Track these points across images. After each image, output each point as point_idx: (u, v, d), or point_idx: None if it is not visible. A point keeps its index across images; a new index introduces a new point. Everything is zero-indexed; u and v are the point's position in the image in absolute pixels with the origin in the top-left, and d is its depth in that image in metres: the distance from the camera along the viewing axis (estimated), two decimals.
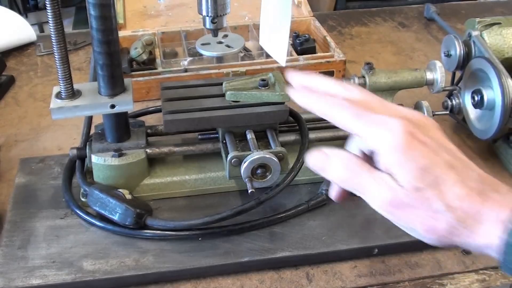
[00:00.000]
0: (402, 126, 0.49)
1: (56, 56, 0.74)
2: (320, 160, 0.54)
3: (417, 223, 0.50)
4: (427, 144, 0.50)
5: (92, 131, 0.85)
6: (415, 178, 0.49)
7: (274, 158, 0.76)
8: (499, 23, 0.93)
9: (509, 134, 0.91)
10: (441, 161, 0.50)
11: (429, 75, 0.90)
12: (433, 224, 0.50)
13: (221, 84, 0.84)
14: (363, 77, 0.89)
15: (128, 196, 0.78)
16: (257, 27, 1.21)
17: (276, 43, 0.83)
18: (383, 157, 0.50)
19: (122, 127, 0.81)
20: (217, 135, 0.85)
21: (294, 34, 1.23)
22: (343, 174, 0.53)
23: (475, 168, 0.51)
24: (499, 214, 0.48)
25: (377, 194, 0.51)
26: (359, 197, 0.68)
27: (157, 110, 0.96)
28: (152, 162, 0.84)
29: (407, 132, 0.49)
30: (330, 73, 1.16)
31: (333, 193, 0.59)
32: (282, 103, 0.81)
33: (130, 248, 0.75)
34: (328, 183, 0.81)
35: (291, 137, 0.85)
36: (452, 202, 0.49)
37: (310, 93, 0.55)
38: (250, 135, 0.80)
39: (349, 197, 0.58)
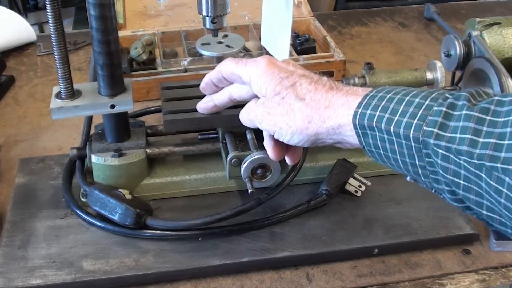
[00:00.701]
0: (265, 58, 0.65)
1: (56, 56, 0.74)
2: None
3: (281, 121, 0.62)
4: (284, 65, 0.64)
5: (92, 131, 0.85)
6: (275, 85, 0.62)
7: None
8: (499, 23, 0.93)
9: None
10: (296, 73, 0.63)
11: (429, 75, 0.90)
12: (291, 117, 0.61)
13: None
14: (363, 77, 0.89)
15: (128, 196, 0.78)
16: (257, 27, 1.21)
17: (277, 43, 0.83)
18: (254, 84, 0.64)
19: (122, 127, 0.81)
20: (217, 135, 0.85)
21: (294, 34, 1.23)
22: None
23: (328, 78, 0.63)
24: (347, 99, 0.58)
25: (255, 113, 0.65)
26: (359, 197, 0.78)
27: (157, 110, 0.97)
28: (152, 162, 0.84)
29: (268, 61, 0.64)
30: (330, 73, 1.16)
31: (270, 152, 0.70)
32: None
33: (130, 248, 0.75)
34: (328, 183, 0.81)
35: None
36: (302, 94, 0.61)
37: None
38: (250, 135, 0.80)
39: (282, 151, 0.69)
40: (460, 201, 0.51)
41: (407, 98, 0.53)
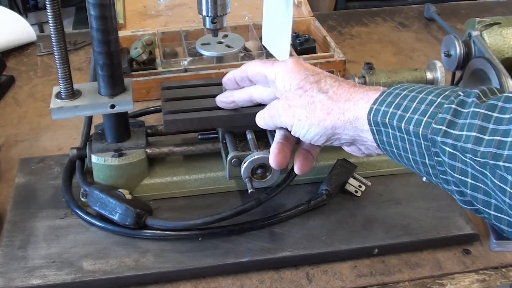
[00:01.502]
0: (293, 59, 0.67)
1: (56, 56, 0.74)
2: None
3: (300, 113, 0.62)
4: (311, 66, 0.66)
5: (92, 131, 0.85)
6: (300, 79, 0.63)
7: None
8: (499, 23, 0.93)
9: None
10: (322, 74, 0.64)
11: (429, 75, 0.90)
12: (312, 109, 0.61)
13: (221, 84, 0.84)
14: (363, 77, 0.89)
15: (128, 196, 0.78)
16: (257, 27, 1.21)
17: (278, 43, 0.83)
18: (279, 80, 0.66)
19: (122, 127, 0.81)
20: (217, 135, 0.85)
21: (294, 34, 1.23)
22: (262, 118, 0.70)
23: (354, 82, 0.67)
24: (367, 93, 0.58)
25: (276, 108, 0.65)
26: (359, 197, 0.79)
27: (157, 110, 0.97)
28: (152, 162, 0.84)
29: (296, 60, 0.66)
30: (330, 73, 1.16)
31: (272, 160, 0.69)
32: None
33: (130, 248, 0.75)
34: (328, 183, 0.81)
35: None
36: (325, 89, 0.61)
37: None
38: (250, 135, 0.80)
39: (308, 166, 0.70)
40: (469, 203, 0.51)
41: (421, 95, 0.53)
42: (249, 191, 0.74)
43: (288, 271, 0.74)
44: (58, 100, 0.76)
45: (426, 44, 1.34)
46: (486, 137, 0.46)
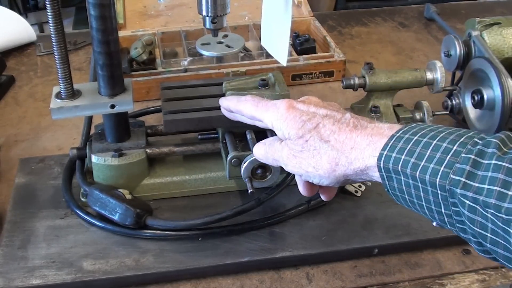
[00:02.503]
0: (285, 102, 0.64)
1: (56, 56, 0.73)
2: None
3: (307, 165, 0.60)
4: (305, 108, 0.63)
5: (92, 131, 0.85)
6: (298, 128, 0.61)
7: None
8: (499, 23, 0.93)
9: None
10: (318, 115, 0.61)
11: (429, 75, 0.90)
12: (317, 160, 0.59)
13: (221, 84, 0.84)
14: (363, 77, 0.89)
15: (128, 196, 0.78)
16: (257, 27, 1.21)
17: (277, 43, 0.83)
18: (276, 129, 0.64)
19: (122, 127, 0.81)
20: (217, 135, 0.85)
21: (294, 34, 1.23)
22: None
23: (353, 114, 0.61)
24: (372, 139, 0.56)
25: (280, 155, 0.63)
26: (359, 197, 0.79)
27: (157, 110, 0.97)
28: (152, 162, 0.84)
29: (288, 104, 0.63)
30: (330, 73, 1.16)
31: (301, 189, 0.67)
32: None
33: (130, 248, 0.75)
34: None
35: None
36: (326, 136, 0.59)
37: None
38: (250, 135, 0.80)
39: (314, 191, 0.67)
40: (488, 252, 0.49)
41: (434, 142, 0.51)
42: (249, 191, 0.74)
43: (288, 271, 0.74)
44: (58, 100, 0.76)
45: (426, 44, 1.34)
46: (510, 193, 0.44)
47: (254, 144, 0.78)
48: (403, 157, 0.52)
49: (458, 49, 0.94)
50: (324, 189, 0.67)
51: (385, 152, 0.53)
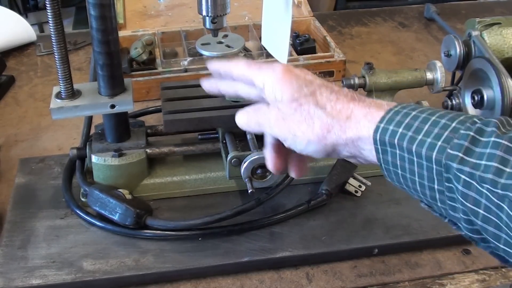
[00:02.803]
0: (282, 65, 0.61)
1: (56, 56, 0.73)
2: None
3: (296, 128, 0.58)
4: (302, 74, 0.60)
5: (92, 131, 0.85)
6: (294, 91, 0.58)
7: None
8: (499, 23, 0.93)
9: None
10: (315, 83, 0.59)
11: (429, 75, 0.90)
12: (310, 124, 0.57)
13: None
14: (363, 77, 0.89)
15: (128, 196, 0.78)
16: (257, 27, 1.21)
17: (277, 43, 0.83)
18: (268, 89, 0.60)
19: (122, 127, 0.81)
20: (217, 135, 0.85)
21: (294, 34, 1.23)
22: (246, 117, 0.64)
23: (349, 90, 0.59)
24: (369, 111, 0.55)
25: (267, 117, 0.60)
26: (359, 197, 0.79)
27: (157, 110, 0.97)
28: (152, 162, 0.84)
29: (285, 67, 0.60)
30: (330, 73, 1.16)
31: (270, 166, 0.65)
32: None
33: (130, 248, 0.75)
34: (328, 183, 0.81)
35: None
36: (323, 103, 0.57)
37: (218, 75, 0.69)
38: (250, 135, 0.80)
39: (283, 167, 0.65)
40: (477, 231, 0.49)
41: (433, 118, 0.51)
42: (249, 191, 0.74)
43: (288, 271, 0.74)
44: (58, 100, 0.76)
45: (426, 44, 1.34)
46: (508, 170, 0.44)
47: (254, 144, 0.78)
48: (400, 130, 0.51)
49: (458, 49, 0.94)
50: (294, 164, 0.65)
51: (382, 125, 0.53)
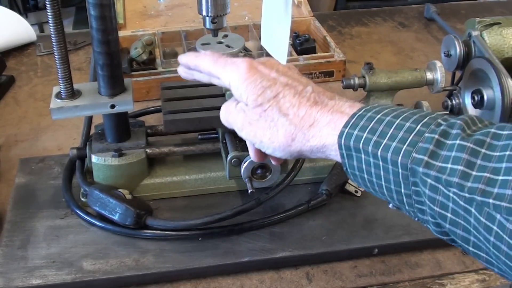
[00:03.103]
0: (246, 62, 0.60)
1: (56, 56, 0.74)
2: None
3: (262, 135, 0.59)
4: (266, 71, 0.60)
5: (92, 131, 0.85)
6: (257, 95, 0.58)
7: None
8: (499, 23, 0.93)
9: None
10: (279, 82, 0.59)
11: (429, 75, 0.90)
12: (273, 132, 0.58)
13: None
14: (363, 77, 0.89)
15: (128, 196, 0.78)
16: (257, 27, 1.21)
17: (277, 43, 0.83)
18: (234, 89, 0.60)
19: (122, 127, 0.81)
20: (217, 135, 0.85)
21: (294, 34, 1.23)
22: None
23: (314, 86, 0.59)
24: (332, 118, 0.55)
25: (235, 119, 0.61)
26: (359, 197, 0.79)
27: (157, 110, 0.97)
28: (152, 162, 0.84)
29: (248, 65, 0.60)
30: (330, 73, 1.16)
31: (251, 155, 0.67)
32: None
33: (130, 248, 0.75)
34: (328, 183, 0.81)
35: None
36: (286, 109, 0.57)
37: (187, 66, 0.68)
38: None
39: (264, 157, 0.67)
40: (445, 234, 0.49)
41: (398, 121, 0.50)
42: (249, 191, 0.74)
43: (288, 271, 0.74)
44: (58, 100, 0.76)
45: (426, 44, 1.34)
46: (474, 173, 0.44)
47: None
48: (365, 135, 0.51)
49: (458, 49, 0.94)
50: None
51: (347, 130, 0.53)
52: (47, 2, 0.70)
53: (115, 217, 0.75)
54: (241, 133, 0.62)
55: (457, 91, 0.96)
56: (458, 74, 0.98)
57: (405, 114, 0.51)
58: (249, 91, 0.59)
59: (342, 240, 0.76)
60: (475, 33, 0.93)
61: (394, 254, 0.76)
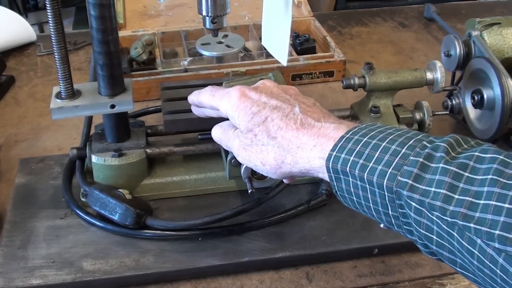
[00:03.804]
0: (236, 90, 0.64)
1: (56, 56, 0.73)
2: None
3: (255, 159, 0.62)
4: (256, 97, 0.63)
5: (92, 131, 0.85)
6: (247, 121, 0.61)
7: None
8: (499, 23, 0.93)
9: (509, 134, 0.91)
10: (268, 106, 0.62)
11: (429, 75, 0.90)
12: (265, 156, 0.60)
13: (221, 84, 0.84)
14: (363, 77, 0.89)
15: (128, 196, 0.78)
16: (257, 27, 1.21)
17: (277, 43, 0.83)
18: (230, 117, 0.64)
19: (122, 127, 0.81)
20: None
21: (294, 34, 1.23)
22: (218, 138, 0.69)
23: (304, 106, 0.62)
24: (318, 141, 0.56)
25: (232, 144, 0.65)
26: None
27: (157, 110, 0.97)
28: (152, 162, 0.84)
29: (240, 93, 0.64)
30: (330, 73, 1.16)
31: None
32: None
33: (130, 248, 0.75)
34: (328, 183, 0.81)
35: None
36: (274, 133, 0.59)
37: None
38: None
39: None
40: (434, 254, 0.49)
41: (384, 143, 0.51)
42: (249, 191, 0.74)
43: (288, 271, 0.74)
44: (58, 100, 0.76)
45: (426, 44, 1.34)
46: (456, 196, 0.44)
47: None
48: (351, 158, 0.52)
49: (458, 49, 0.94)
50: None
51: (334, 153, 0.54)
52: (47, 2, 0.70)
53: (115, 217, 0.75)
54: (238, 158, 0.65)
55: (457, 91, 0.96)
56: (458, 74, 0.98)
57: (391, 137, 0.51)
58: (240, 118, 0.62)
59: (342, 240, 0.76)
60: (475, 33, 0.93)
61: (394, 254, 0.76)
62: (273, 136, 0.60)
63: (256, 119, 0.61)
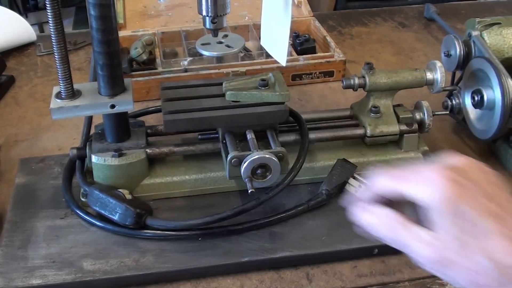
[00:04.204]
0: (442, 175, 0.49)
1: (56, 56, 0.74)
2: (363, 218, 0.58)
3: (460, 278, 0.49)
4: (476, 190, 0.48)
5: (92, 131, 0.85)
6: (452, 224, 0.48)
7: (274, 158, 0.76)
8: (499, 23, 0.93)
9: (509, 134, 0.91)
10: (479, 206, 0.48)
11: (429, 75, 0.89)
12: (476, 279, 0.47)
13: (221, 84, 0.84)
14: (363, 77, 0.89)
15: (128, 196, 0.78)
16: (257, 27, 1.21)
17: (277, 43, 0.83)
18: (432, 209, 0.49)
19: (122, 127, 0.81)
20: (217, 135, 0.85)
21: (294, 34, 1.23)
22: (383, 233, 0.56)
23: None
24: None
25: (418, 252, 0.52)
26: None
27: (157, 110, 0.96)
28: (152, 162, 0.84)
29: (450, 182, 0.48)
30: (330, 73, 1.16)
31: None
32: (282, 103, 0.81)
33: (130, 248, 0.75)
34: (328, 183, 0.81)
35: (291, 137, 0.85)
36: (498, 257, 0.46)
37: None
38: (250, 135, 0.80)
39: None
40: None
41: None
42: (249, 191, 0.74)
43: (288, 271, 0.74)
44: (58, 100, 0.76)
45: (426, 44, 1.34)
46: None
47: (254, 144, 0.78)
48: None
49: (458, 49, 0.94)
50: None
51: None
52: (47, 2, 0.70)
53: (115, 217, 0.75)
54: (421, 265, 0.53)
55: (457, 91, 0.96)
56: (458, 74, 0.98)
57: None
58: (449, 219, 0.48)
59: (342, 240, 0.76)
60: (475, 33, 0.93)
61: (394, 254, 0.76)
62: (496, 261, 0.46)
63: (464, 225, 0.48)
